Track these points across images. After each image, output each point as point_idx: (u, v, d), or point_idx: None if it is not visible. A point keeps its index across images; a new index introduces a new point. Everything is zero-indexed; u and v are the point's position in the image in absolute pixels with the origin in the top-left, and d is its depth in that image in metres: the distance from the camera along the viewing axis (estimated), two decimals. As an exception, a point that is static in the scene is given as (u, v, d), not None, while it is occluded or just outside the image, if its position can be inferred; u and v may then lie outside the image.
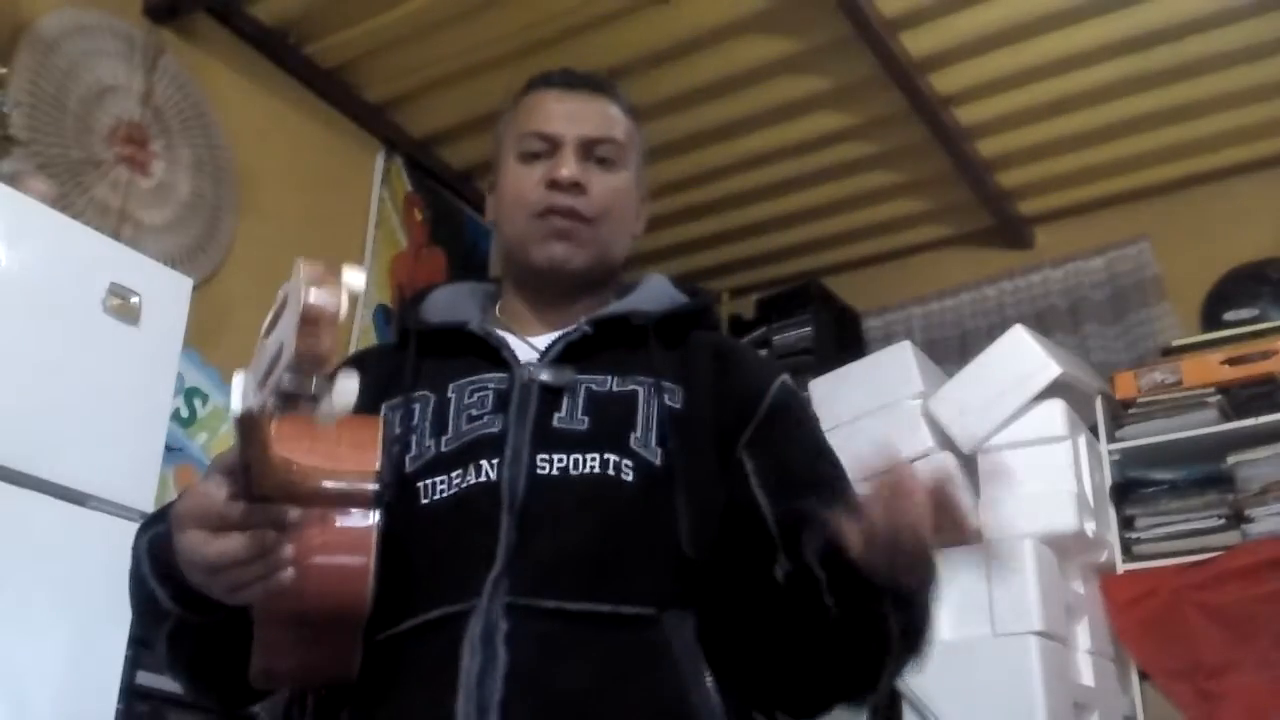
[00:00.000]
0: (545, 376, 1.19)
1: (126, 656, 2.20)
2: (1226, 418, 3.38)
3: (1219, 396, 3.40)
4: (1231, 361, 3.43)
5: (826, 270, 4.48)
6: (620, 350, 1.23)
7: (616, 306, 1.29)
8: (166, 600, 1.05)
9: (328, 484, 0.91)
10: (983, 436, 3.29)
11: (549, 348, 1.23)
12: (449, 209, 4.27)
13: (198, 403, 3.16)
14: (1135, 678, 3.34)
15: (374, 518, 1.01)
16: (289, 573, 0.92)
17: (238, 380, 0.79)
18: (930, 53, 3.50)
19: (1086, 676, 3.17)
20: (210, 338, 3.17)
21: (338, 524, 1.00)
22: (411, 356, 1.26)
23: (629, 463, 1.13)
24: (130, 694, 2.28)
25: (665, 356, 1.24)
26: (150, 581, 1.07)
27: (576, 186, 1.26)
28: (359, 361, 1.32)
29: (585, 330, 1.23)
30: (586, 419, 1.17)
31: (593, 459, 1.12)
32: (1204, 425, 3.39)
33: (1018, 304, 4.21)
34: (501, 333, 1.26)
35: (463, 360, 1.24)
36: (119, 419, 2.28)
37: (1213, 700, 3.10)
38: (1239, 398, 3.39)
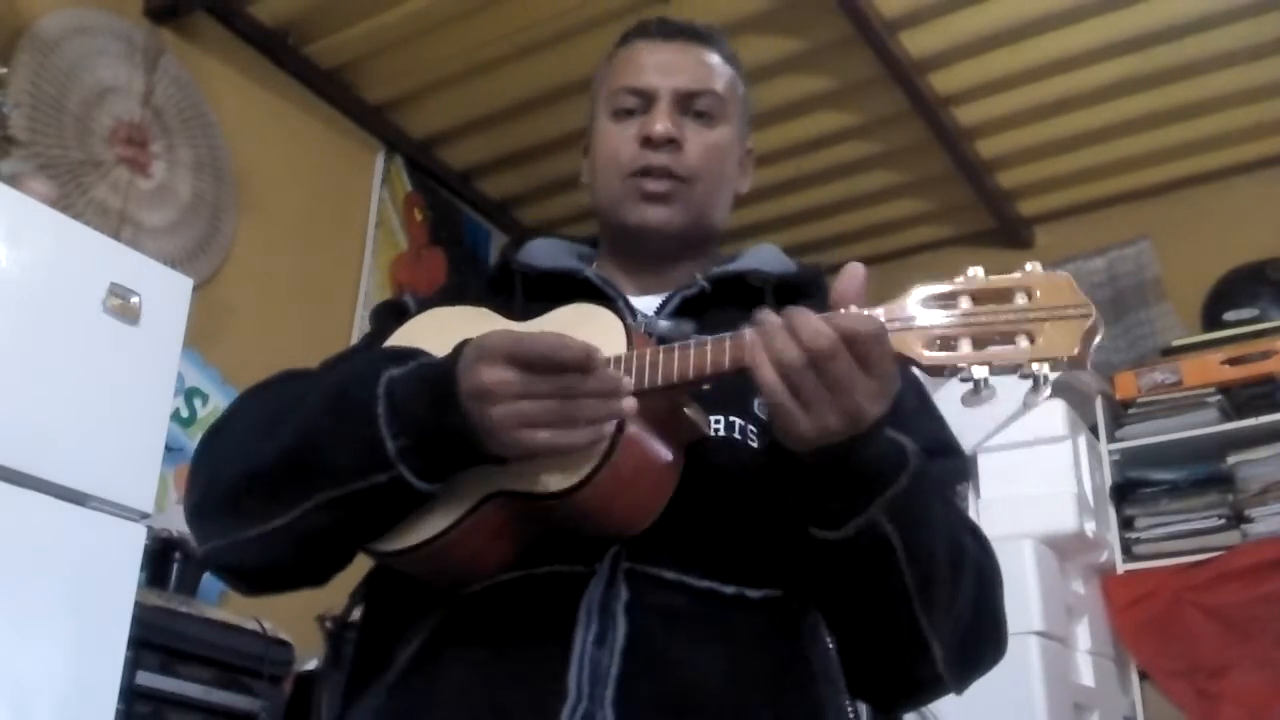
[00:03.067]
0: (662, 329, 1.13)
1: (126, 657, 2.19)
2: (1226, 418, 3.38)
3: (1219, 396, 3.41)
4: (1231, 361, 3.43)
5: (826, 270, 4.45)
6: (735, 311, 1.14)
7: (732, 265, 1.22)
8: (394, 453, 0.94)
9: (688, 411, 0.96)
10: (983, 436, 3.28)
11: (665, 301, 1.18)
12: (449, 209, 4.27)
13: (198, 403, 3.16)
14: (1135, 678, 3.34)
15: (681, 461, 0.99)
16: (611, 426, 0.91)
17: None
18: (930, 53, 3.51)
19: (1086, 676, 3.17)
20: (210, 338, 3.17)
21: (655, 449, 0.97)
22: (520, 299, 1.18)
23: (754, 428, 1.06)
24: (130, 694, 2.28)
25: None
26: (378, 427, 0.94)
27: (672, 143, 1.18)
28: (460, 288, 1.28)
29: (703, 286, 1.17)
30: None
31: (717, 421, 1.06)
32: (1204, 425, 3.39)
33: (1018, 304, 4.21)
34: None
35: None
36: (119, 419, 2.27)
37: (1213, 700, 3.10)
38: (1239, 398, 3.40)
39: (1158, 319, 3.93)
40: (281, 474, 0.99)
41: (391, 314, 1.24)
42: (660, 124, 1.18)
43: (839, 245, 4.43)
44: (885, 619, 1.00)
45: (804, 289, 1.24)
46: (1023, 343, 0.84)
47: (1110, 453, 3.50)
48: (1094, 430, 3.51)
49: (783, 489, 0.97)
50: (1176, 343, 3.66)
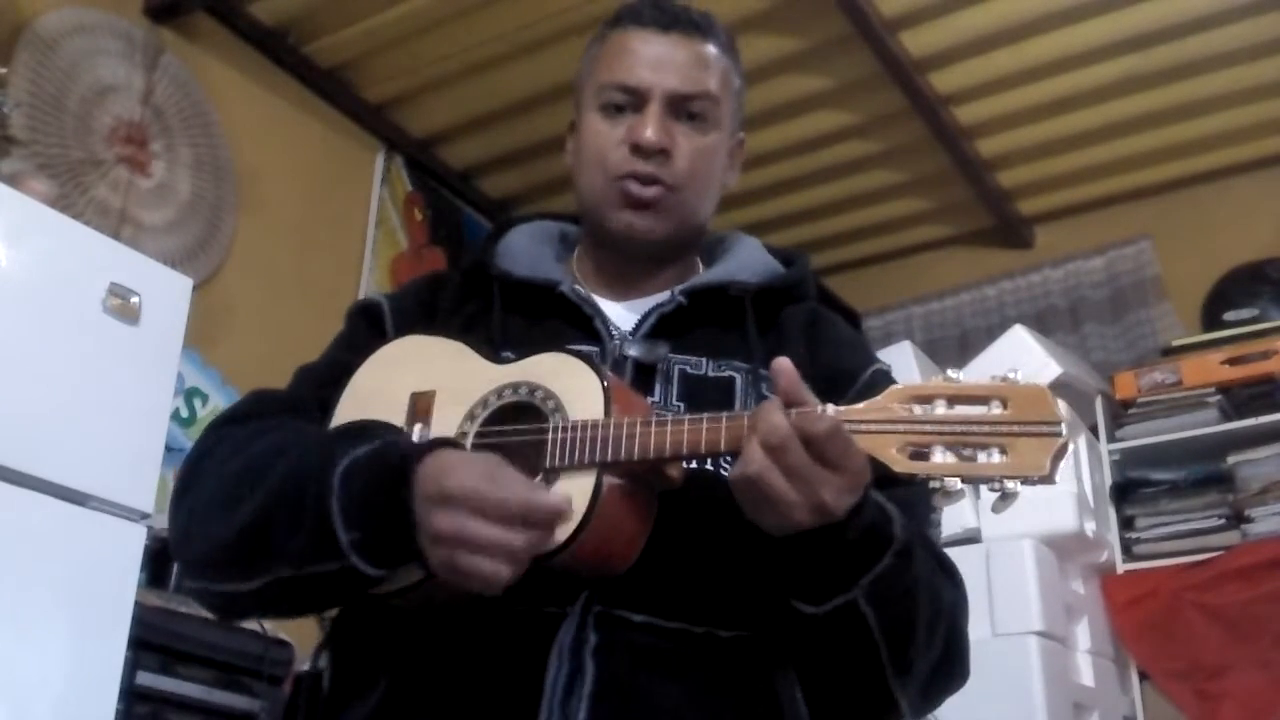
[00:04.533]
0: (637, 353, 1.10)
1: (126, 657, 2.19)
2: (1226, 418, 3.38)
3: (1219, 396, 3.40)
4: (1231, 361, 3.43)
5: (826, 270, 4.47)
6: (714, 327, 1.15)
7: (711, 275, 1.19)
8: (346, 546, 0.93)
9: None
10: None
11: (641, 320, 1.14)
12: (449, 209, 4.27)
13: (198, 403, 3.16)
14: (1135, 678, 3.34)
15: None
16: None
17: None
18: (930, 52, 3.50)
19: (1086, 676, 3.17)
20: (210, 338, 3.17)
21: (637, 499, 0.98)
22: (498, 310, 1.16)
23: (727, 456, 1.02)
24: (130, 695, 2.27)
25: (760, 339, 1.15)
26: (331, 521, 0.94)
27: (661, 152, 1.14)
28: (436, 283, 1.25)
29: (680, 301, 1.14)
30: (682, 405, 1.08)
31: None
32: (1204, 425, 3.39)
33: (1018, 304, 4.21)
34: (596, 299, 1.16)
35: (549, 323, 1.14)
36: (119, 419, 2.27)
37: (1212, 700, 3.10)
38: (1239, 398, 3.39)
39: (1158, 319, 3.92)
40: (243, 549, 0.99)
41: (364, 318, 1.22)
42: (651, 131, 1.14)
43: (838, 244, 4.43)
44: (857, 682, 1.00)
45: (789, 293, 1.21)
46: (995, 456, 0.86)
47: (1110, 453, 3.50)
48: (1094, 430, 3.51)
49: (762, 555, 0.96)
50: (1176, 343, 3.65)
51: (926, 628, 0.99)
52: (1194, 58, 3.51)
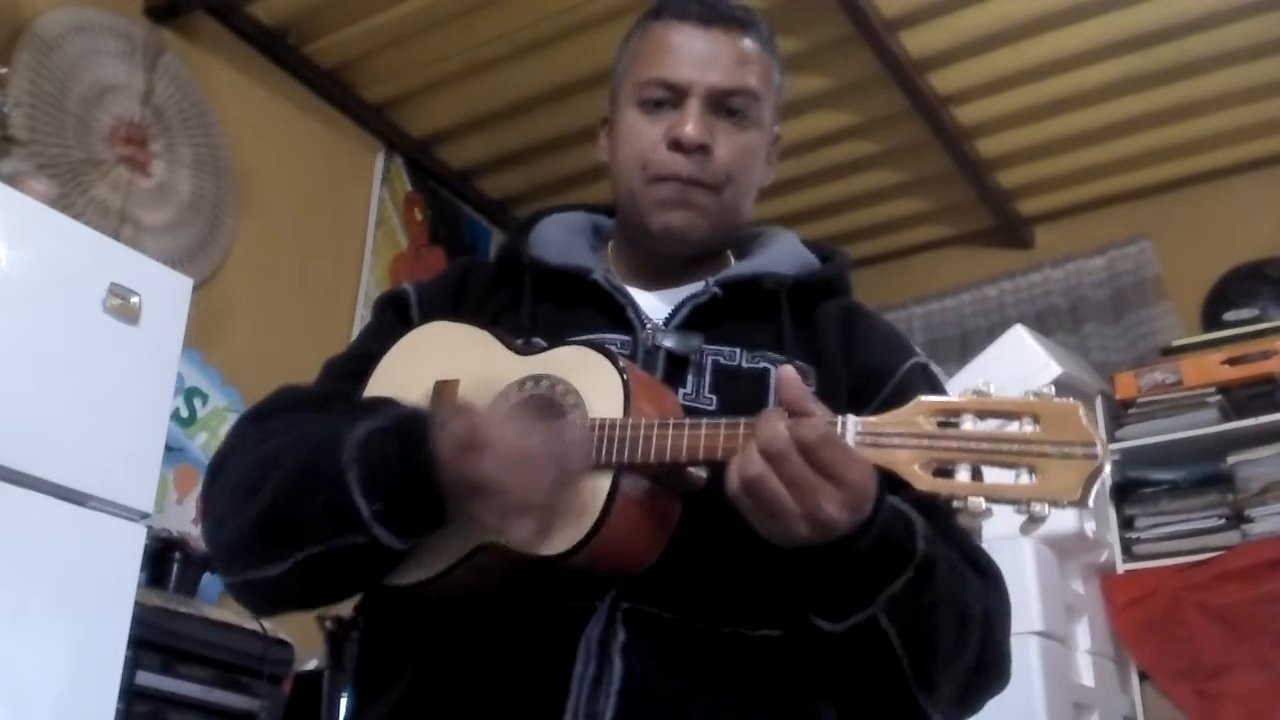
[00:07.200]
0: (670, 343, 1.09)
1: (126, 656, 2.19)
2: (1226, 418, 3.38)
3: (1219, 396, 3.40)
4: (1231, 361, 3.42)
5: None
6: (749, 319, 1.14)
7: (746, 266, 1.19)
8: (369, 517, 0.93)
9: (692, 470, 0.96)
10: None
11: (675, 310, 1.13)
12: (449, 209, 4.27)
13: (198, 403, 3.16)
14: (1135, 678, 3.34)
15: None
16: None
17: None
18: (930, 52, 3.50)
19: (1086, 676, 3.17)
20: (210, 338, 3.17)
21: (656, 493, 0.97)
22: (528, 298, 1.16)
23: None
24: (130, 694, 2.28)
25: (795, 333, 1.14)
26: (350, 492, 0.93)
27: (702, 150, 1.13)
28: (466, 271, 1.24)
29: (714, 292, 1.13)
30: (715, 397, 1.07)
31: None
32: (1204, 425, 3.39)
33: (1018, 304, 4.21)
34: (629, 288, 1.15)
35: (581, 312, 1.13)
36: (119, 419, 2.27)
37: (1213, 700, 3.10)
38: (1239, 398, 3.39)
39: (1158, 318, 3.92)
40: (267, 531, 0.99)
41: (392, 306, 1.22)
42: (691, 127, 1.13)
43: (839, 244, 4.41)
44: (882, 700, 0.98)
45: (825, 288, 1.20)
46: (1024, 478, 0.82)
47: (1110, 452, 3.50)
48: (1094, 430, 3.50)
49: (782, 566, 0.94)
50: (1176, 343, 3.65)
51: (954, 641, 0.96)
52: (1194, 58, 3.50)
